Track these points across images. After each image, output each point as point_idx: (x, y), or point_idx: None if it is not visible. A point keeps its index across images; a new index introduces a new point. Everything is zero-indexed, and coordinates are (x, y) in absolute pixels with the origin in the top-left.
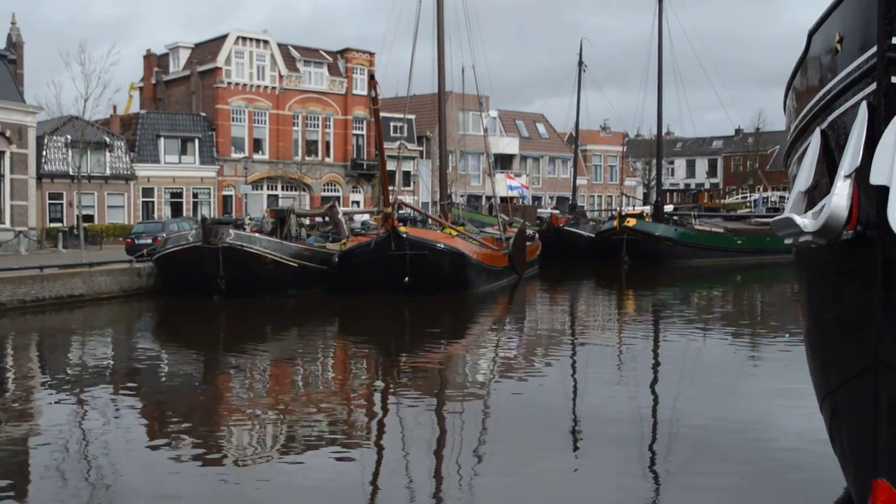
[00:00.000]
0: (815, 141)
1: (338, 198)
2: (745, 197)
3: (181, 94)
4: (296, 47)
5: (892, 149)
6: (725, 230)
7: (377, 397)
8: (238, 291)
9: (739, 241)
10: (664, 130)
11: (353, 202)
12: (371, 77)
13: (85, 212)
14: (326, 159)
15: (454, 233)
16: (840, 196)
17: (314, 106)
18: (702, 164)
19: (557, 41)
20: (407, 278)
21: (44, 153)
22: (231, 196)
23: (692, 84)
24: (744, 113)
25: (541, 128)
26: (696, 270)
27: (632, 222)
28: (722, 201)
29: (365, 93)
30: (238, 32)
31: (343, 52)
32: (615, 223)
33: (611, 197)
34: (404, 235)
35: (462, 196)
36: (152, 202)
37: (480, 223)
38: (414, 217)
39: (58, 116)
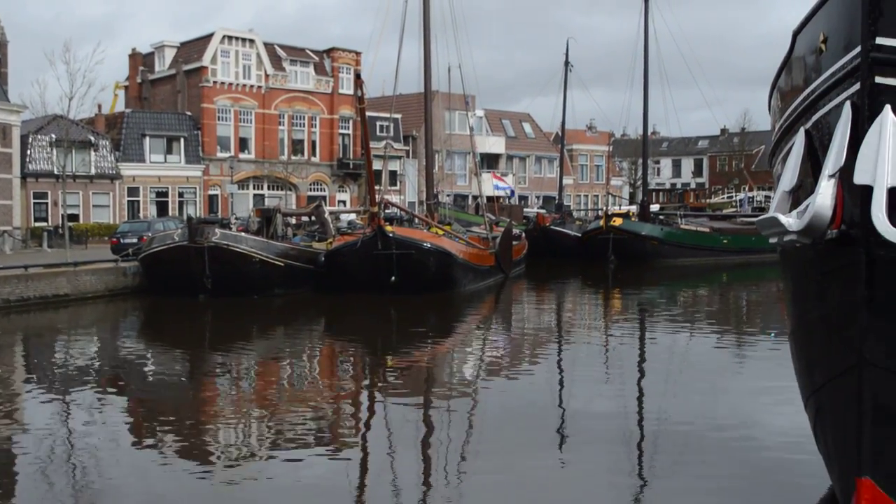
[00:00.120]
0: (799, 140)
1: (324, 197)
2: (731, 196)
3: (167, 94)
4: (282, 46)
5: (875, 148)
6: (711, 230)
7: (364, 396)
8: (224, 291)
9: (725, 241)
10: (650, 130)
11: (340, 201)
12: (357, 76)
13: (70, 211)
14: (312, 158)
15: (441, 232)
16: (824, 195)
17: (300, 105)
18: (687, 164)
19: (544, 41)
20: (393, 277)
21: (28, 152)
22: (217, 195)
23: (678, 84)
24: (729, 113)
25: (527, 127)
26: (682, 270)
27: (618, 222)
28: (708, 201)
29: (351, 92)
30: (224, 31)
31: (329, 51)
32: (601, 223)
33: (597, 196)
34: (391, 235)
35: (448, 195)
36: (138, 201)
37: (467, 222)
38: (400, 216)
39: (42, 115)
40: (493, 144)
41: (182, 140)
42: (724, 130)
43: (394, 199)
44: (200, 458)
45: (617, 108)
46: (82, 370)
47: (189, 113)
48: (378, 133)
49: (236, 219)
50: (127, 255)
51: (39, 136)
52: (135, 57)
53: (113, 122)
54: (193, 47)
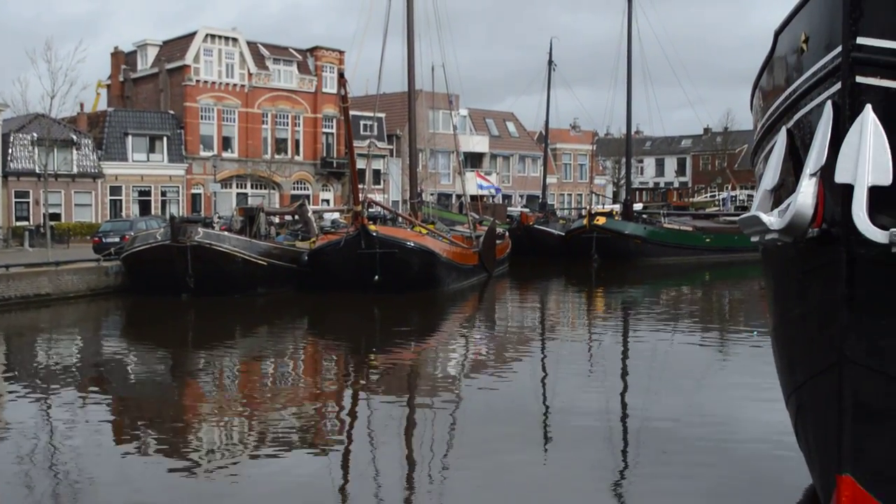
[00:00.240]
0: (781, 140)
1: (307, 196)
2: (714, 195)
3: (149, 92)
4: (265, 45)
5: (856, 148)
6: (694, 228)
7: (348, 395)
8: (207, 290)
9: (708, 240)
10: (633, 129)
11: (323, 200)
12: (341, 75)
13: (52, 210)
14: (296, 157)
15: (424, 231)
16: (805, 194)
17: (284, 104)
18: (671, 163)
19: (527, 40)
20: (377, 276)
21: (9, 151)
22: (200, 194)
23: (661, 83)
24: (712, 112)
25: (511, 126)
26: (665, 268)
27: (601, 221)
28: (690, 200)
29: (335, 91)
30: (207, 30)
31: (313, 50)
32: (585, 221)
33: (580, 195)
34: (374, 234)
35: (432, 194)
36: (120, 200)
37: (451, 221)
38: (384, 215)
39: (24, 114)
40: (477, 143)
41: (165, 139)
42: (706, 130)
43: (377, 197)
44: (183, 458)
45: (600, 107)
46: (64, 370)
47: (172, 112)
48: (362, 132)
49: (219, 218)
50: (109, 255)
51: (21, 135)
52: (117, 55)
53: (95, 120)
54: (176, 46)
